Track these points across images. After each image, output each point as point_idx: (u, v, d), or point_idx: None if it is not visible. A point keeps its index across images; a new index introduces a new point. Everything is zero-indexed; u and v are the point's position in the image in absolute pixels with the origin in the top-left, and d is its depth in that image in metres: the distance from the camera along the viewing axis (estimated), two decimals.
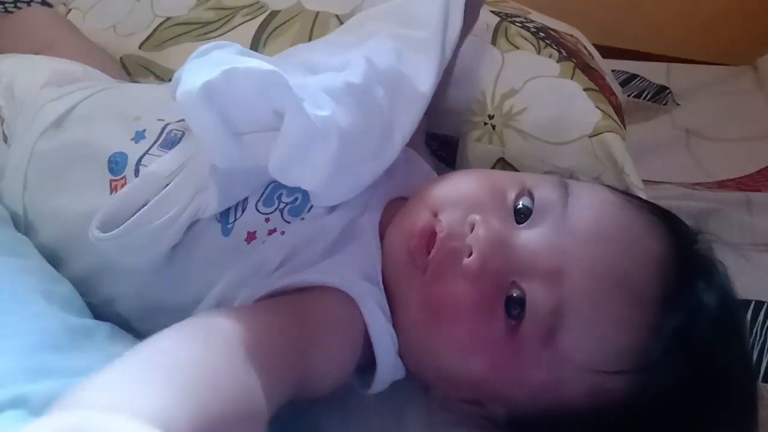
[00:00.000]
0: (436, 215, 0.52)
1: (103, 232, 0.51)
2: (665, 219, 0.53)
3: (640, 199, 0.57)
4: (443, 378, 0.53)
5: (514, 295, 0.48)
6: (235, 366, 0.37)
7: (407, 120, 0.58)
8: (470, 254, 0.49)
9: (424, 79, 0.60)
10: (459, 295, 0.49)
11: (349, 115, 0.51)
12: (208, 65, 0.51)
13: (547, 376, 0.48)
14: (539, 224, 0.50)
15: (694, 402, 0.48)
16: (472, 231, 0.50)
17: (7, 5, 1.00)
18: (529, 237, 0.50)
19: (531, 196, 0.52)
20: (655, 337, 0.47)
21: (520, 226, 0.51)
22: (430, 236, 0.51)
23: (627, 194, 0.55)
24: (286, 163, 0.50)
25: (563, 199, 0.51)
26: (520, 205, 0.52)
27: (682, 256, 0.50)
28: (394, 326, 0.52)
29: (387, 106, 0.56)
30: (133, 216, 0.51)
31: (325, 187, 0.52)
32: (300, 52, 0.65)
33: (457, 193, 0.53)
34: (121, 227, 0.51)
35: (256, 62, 0.49)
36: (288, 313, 0.47)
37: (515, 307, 0.48)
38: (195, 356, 0.36)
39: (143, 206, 0.52)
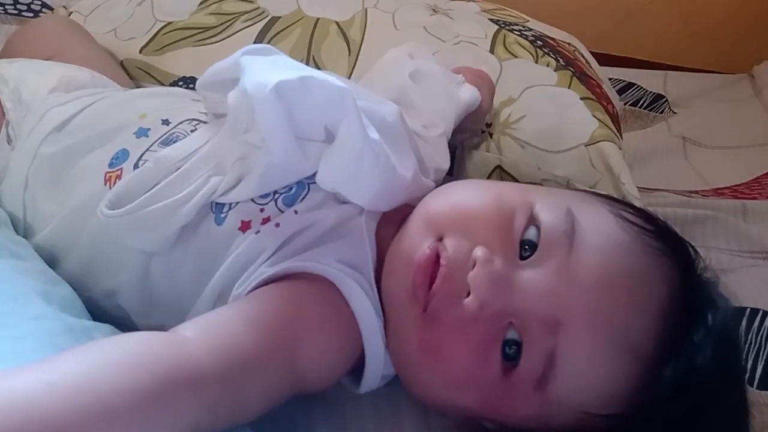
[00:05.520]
0: (440, 239, 0.51)
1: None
2: (672, 252, 0.51)
3: (647, 222, 0.53)
4: (431, 401, 0.53)
5: (510, 338, 0.48)
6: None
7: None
8: (468, 294, 0.48)
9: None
10: (456, 339, 0.48)
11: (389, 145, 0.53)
12: (282, 66, 0.52)
13: (537, 412, 0.49)
14: (543, 264, 0.49)
15: None
16: (473, 267, 0.49)
17: (7, 7, 1.00)
18: (531, 279, 0.48)
19: (537, 227, 0.50)
20: (647, 388, 0.47)
21: (524, 262, 0.49)
22: (433, 264, 0.50)
23: (634, 221, 0.52)
24: (340, 174, 0.52)
25: (569, 236, 0.49)
26: (526, 238, 0.50)
27: (685, 302, 0.49)
28: (387, 346, 0.52)
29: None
30: (143, 195, 0.52)
31: (372, 201, 0.54)
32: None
33: (463, 216, 0.52)
34: (133, 203, 0.52)
35: (330, 76, 0.51)
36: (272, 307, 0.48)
37: (510, 347, 0.48)
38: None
39: (153, 187, 0.53)
